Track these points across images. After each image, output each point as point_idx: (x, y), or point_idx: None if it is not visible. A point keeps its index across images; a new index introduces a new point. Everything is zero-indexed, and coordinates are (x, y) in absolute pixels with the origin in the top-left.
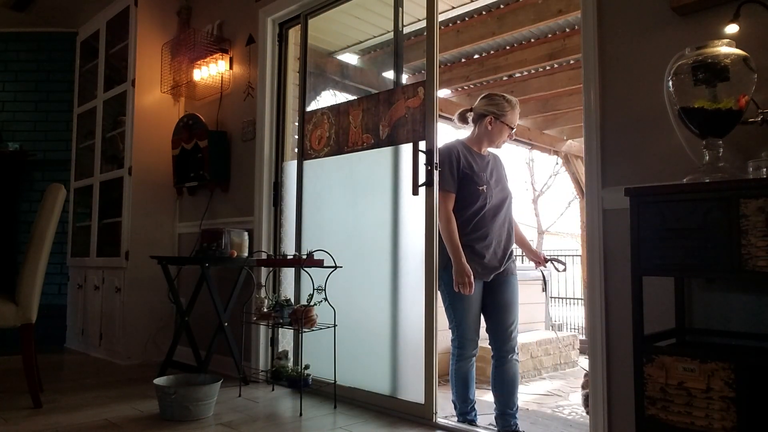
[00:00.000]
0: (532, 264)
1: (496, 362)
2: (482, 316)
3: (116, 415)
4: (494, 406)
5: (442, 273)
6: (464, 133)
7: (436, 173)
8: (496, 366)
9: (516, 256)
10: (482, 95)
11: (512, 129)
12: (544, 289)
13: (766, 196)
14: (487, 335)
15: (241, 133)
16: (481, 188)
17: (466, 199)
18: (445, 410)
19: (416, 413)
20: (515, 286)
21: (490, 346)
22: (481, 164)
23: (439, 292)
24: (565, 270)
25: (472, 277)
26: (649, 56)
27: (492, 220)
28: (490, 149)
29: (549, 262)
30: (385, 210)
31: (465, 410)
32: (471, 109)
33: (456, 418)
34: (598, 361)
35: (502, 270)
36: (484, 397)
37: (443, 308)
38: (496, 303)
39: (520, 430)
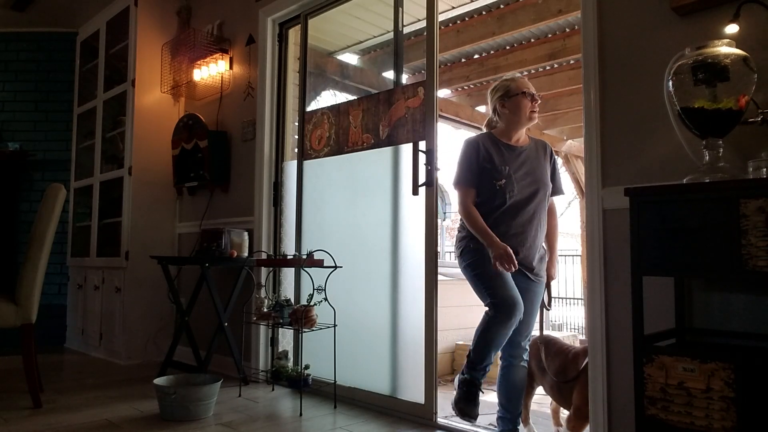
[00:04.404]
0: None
1: (504, 364)
2: None
3: (116, 415)
4: (497, 407)
5: (460, 260)
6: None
7: (436, 173)
8: (503, 368)
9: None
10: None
11: (525, 94)
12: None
13: (766, 196)
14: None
15: (241, 133)
16: (499, 183)
17: (484, 195)
18: (445, 410)
19: (416, 413)
20: (539, 296)
21: None
22: (508, 156)
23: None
24: (548, 310)
25: (510, 251)
26: (649, 56)
27: (514, 217)
28: (533, 137)
29: (547, 289)
30: (385, 210)
31: (475, 368)
32: (493, 112)
33: (454, 414)
34: (598, 361)
35: (529, 275)
36: (487, 398)
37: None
38: None
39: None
